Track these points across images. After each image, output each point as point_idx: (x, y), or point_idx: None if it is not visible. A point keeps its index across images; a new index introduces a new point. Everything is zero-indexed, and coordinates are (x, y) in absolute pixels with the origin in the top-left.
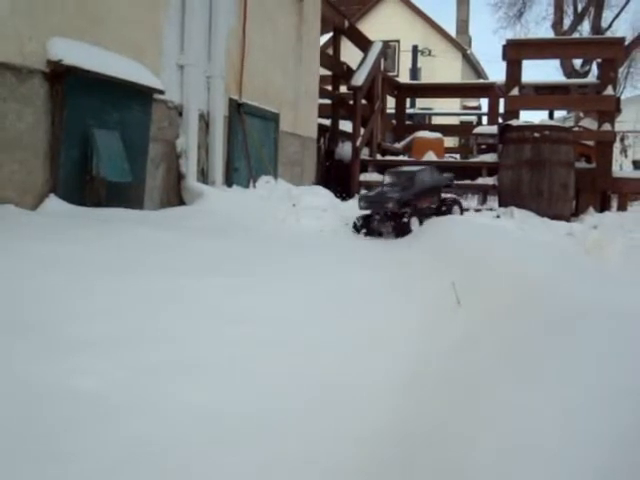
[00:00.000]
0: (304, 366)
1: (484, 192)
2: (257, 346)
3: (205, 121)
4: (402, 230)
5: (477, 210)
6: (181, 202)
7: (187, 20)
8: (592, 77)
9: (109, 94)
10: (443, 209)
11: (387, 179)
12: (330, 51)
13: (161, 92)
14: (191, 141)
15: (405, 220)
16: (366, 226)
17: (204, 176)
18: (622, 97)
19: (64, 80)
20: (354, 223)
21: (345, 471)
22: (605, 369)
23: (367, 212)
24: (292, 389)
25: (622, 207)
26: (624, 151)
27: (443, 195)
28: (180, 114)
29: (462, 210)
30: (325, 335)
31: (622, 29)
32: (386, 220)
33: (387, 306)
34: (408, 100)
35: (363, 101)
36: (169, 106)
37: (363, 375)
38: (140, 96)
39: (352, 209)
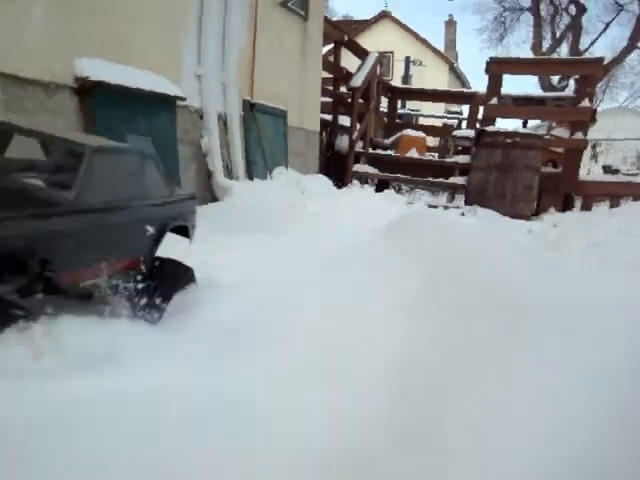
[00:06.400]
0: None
1: (453, 190)
2: None
3: (223, 121)
4: None
5: (445, 207)
6: (213, 197)
7: (203, 36)
8: (569, 91)
9: (137, 104)
10: (144, 298)
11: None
12: (331, 58)
13: (182, 99)
14: (213, 140)
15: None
16: None
17: (229, 172)
18: (601, 108)
19: (92, 94)
20: None
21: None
22: (569, 350)
23: None
24: None
25: (587, 207)
26: (594, 157)
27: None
28: (201, 117)
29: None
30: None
31: (600, 52)
32: None
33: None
34: (400, 101)
35: (360, 100)
36: (190, 110)
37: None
38: (164, 104)
39: (344, 196)
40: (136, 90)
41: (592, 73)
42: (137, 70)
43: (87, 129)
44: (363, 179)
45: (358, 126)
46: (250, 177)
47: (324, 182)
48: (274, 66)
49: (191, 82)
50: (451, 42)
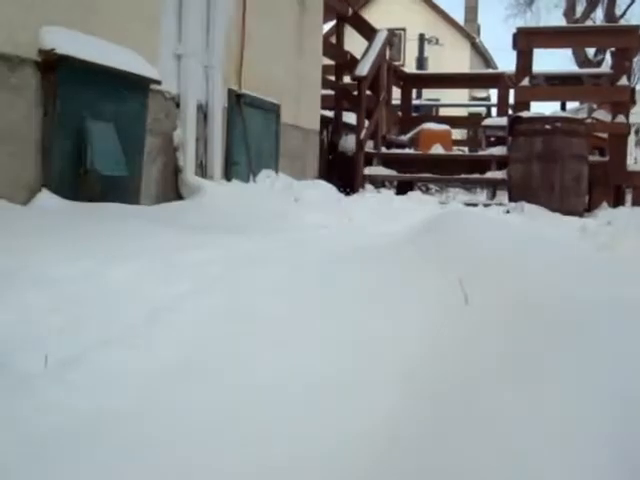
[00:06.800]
0: None
1: (493, 186)
2: None
3: (203, 112)
4: None
5: (486, 205)
6: (178, 197)
7: (185, 8)
8: (606, 66)
9: (104, 84)
10: None
11: None
12: (333, 39)
13: (158, 82)
14: (189, 133)
15: None
16: None
17: (202, 170)
18: (637, 88)
19: (57, 70)
20: None
21: None
22: (609, 371)
23: None
24: None
25: (637, 202)
26: (639, 144)
27: None
28: (177, 105)
29: None
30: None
31: (637, 17)
32: None
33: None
34: (414, 91)
35: (368, 92)
36: (166, 97)
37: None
38: (136, 86)
39: (356, 202)
40: (105, 68)
41: (629, 44)
42: (108, 43)
43: (48, 112)
44: (379, 182)
45: (367, 123)
46: (228, 178)
47: (326, 188)
48: (267, 45)
49: (169, 63)
50: (471, 10)
